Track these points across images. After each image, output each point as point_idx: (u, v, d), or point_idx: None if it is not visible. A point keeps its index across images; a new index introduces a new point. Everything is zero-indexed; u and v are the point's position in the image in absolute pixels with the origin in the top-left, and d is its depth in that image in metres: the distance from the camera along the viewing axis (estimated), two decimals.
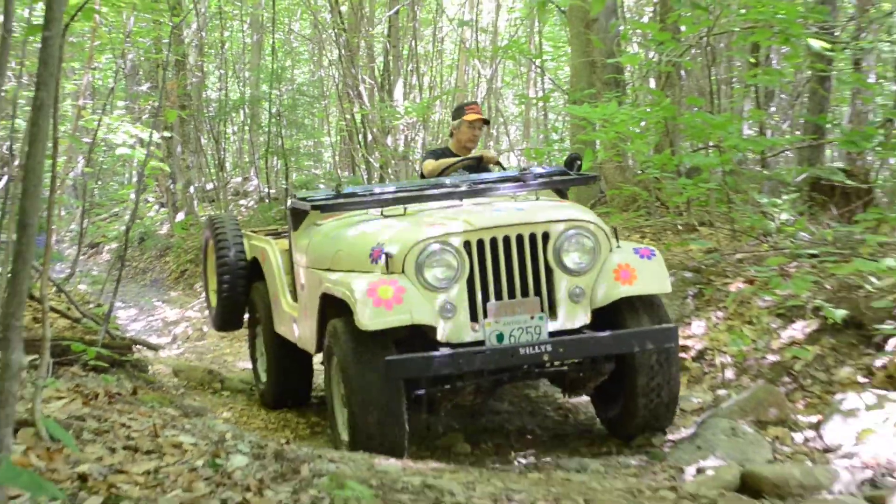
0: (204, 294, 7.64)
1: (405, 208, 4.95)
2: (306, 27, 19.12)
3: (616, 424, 4.90)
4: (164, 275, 14.17)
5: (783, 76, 9.15)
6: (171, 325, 10.35)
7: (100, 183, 16.34)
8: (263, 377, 6.24)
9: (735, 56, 10.82)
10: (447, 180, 5.28)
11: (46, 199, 3.12)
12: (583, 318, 4.49)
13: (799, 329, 5.59)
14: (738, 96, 11.37)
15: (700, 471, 4.19)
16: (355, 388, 4.21)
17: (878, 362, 4.99)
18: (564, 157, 5.73)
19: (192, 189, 15.83)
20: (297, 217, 5.47)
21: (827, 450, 4.46)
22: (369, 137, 14.89)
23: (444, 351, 4.20)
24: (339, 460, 3.21)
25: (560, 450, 4.81)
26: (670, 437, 4.81)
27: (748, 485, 3.93)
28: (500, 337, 4.31)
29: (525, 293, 4.41)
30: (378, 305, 4.13)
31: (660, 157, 7.75)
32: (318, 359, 5.17)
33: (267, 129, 16.16)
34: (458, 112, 6.04)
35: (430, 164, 5.86)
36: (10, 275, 2.11)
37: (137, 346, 5.64)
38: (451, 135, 6.10)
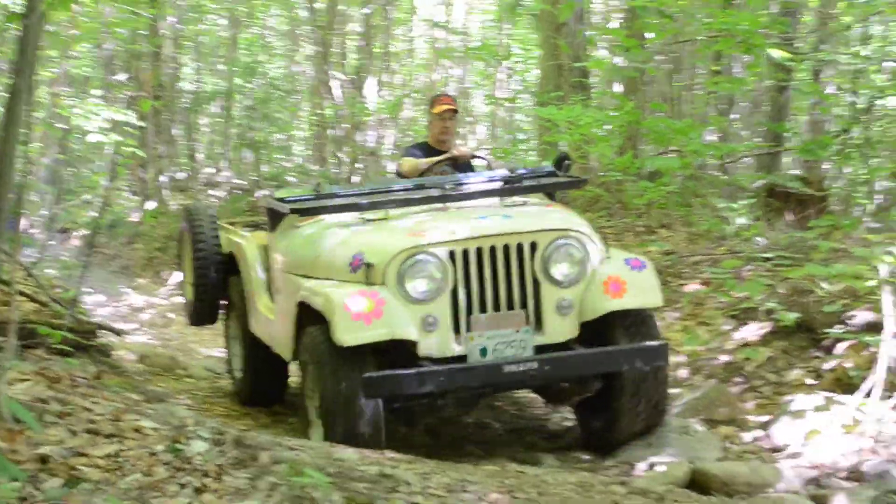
0: (178, 284, 7.49)
1: (387, 212, 4.65)
2: (283, 22, 19.06)
3: (598, 437, 4.67)
4: (132, 262, 14.07)
5: (744, 84, 9.28)
6: (138, 312, 10.28)
7: (73, 170, 16.17)
8: (238, 374, 5.97)
9: (698, 64, 10.98)
10: (428, 181, 5.00)
11: (18, 183, 3.14)
12: (570, 331, 4.28)
13: (752, 331, 5.70)
14: (699, 103, 11.54)
15: (651, 467, 4.25)
16: (330, 402, 4.03)
17: (827, 365, 5.09)
18: (553, 157, 5.50)
19: (161, 178, 15.76)
20: (275, 218, 5.13)
21: (775, 449, 4.54)
22: (340, 133, 14.95)
23: (425, 368, 4.00)
24: (298, 448, 3.25)
25: (516, 444, 4.86)
26: None
27: (697, 482, 4.02)
28: (483, 351, 4.14)
29: (510, 306, 4.19)
30: (357, 319, 3.93)
31: (622, 160, 7.87)
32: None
33: (239, 122, 16.10)
34: (430, 105, 5.81)
35: (408, 164, 5.48)
36: None
37: (102, 330, 5.62)
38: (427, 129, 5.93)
